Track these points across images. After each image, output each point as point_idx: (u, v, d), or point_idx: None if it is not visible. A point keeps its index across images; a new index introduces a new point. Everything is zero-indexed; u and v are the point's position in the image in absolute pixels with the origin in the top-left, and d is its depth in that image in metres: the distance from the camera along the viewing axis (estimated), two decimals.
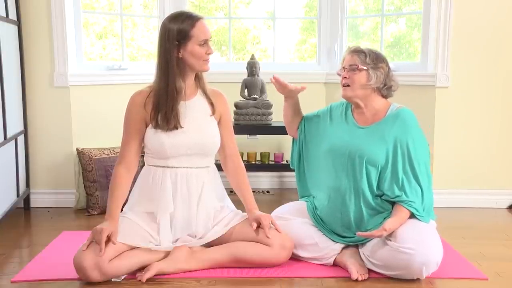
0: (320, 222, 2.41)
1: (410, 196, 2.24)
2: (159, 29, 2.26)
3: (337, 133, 2.42)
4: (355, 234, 2.30)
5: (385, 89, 2.38)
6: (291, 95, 2.51)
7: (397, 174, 2.27)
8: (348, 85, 2.36)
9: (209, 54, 2.25)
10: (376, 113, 2.38)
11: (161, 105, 2.22)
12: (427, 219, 2.27)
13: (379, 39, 3.77)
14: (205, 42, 2.23)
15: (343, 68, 2.39)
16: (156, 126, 2.24)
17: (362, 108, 2.39)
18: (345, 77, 2.37)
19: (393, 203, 2.28)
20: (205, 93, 2.36)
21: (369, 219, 2.29)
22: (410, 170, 2.27)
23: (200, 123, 2.31)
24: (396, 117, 2.33)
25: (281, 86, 2.46)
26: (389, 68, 2.40)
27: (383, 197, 2.30)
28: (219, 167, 2.45)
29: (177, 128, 2.24)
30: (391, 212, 2.26)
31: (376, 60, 2.35)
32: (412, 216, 2.24)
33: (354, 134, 2.37)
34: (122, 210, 2.29)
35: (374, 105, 2.38)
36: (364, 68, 2.33)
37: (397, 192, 2.25)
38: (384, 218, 2.25)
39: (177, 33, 2.19)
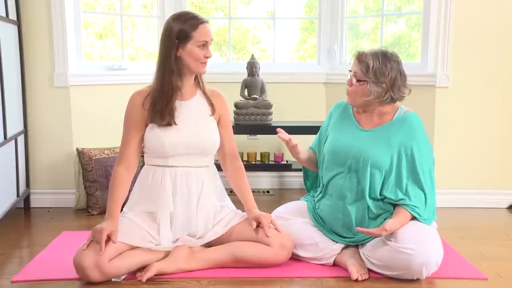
0: (320, 222, 2.40)
1: (414, 201, 2.23)
2: (163, 26, 2.27)
3: (338, 135, 2.39)
4: (355, 234, 2.30)
5: (388, 101, 2.29)
6: (295, 152, 2.42)
7: (401, 180, 2.26)
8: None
9: (207, 57, 2.25)
10: (383, 115, 2.34)
11: (157, 101, 2.23)
12: (430, 222, 2.26)
13: (379, 39, 3.77)
14: (204, 45, 2.23)
15: (350, 71, 2.32)
16: (152, 121, 2.24)
17: (367, 112, 2.36)
18: (348, 84, 2.32)
19: (395, 206, 2.27)
20: (204, 93, 2.36)
21: (370, 221, 2.28)
22: (414, 177, 2.25)
23: (200, 123, 2.31)
24: (403, 121, 2.30)
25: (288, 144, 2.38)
26: (396, 79, 2.24)
27: (385, 200, 2.28)
28: (218, 167, 2.45)
29: (171, 125, 2.24)
30: (392, 214, 2.25)
31: (378, 74, 2.22)
32: (413, 218, 2.23)
33: (357, 137, 2.33)
34: (122, 210, 2.30)
35: (380, 108, 2.33)
36: (365, 80, 2.25)
37: (400, 195, 2.24)
38: (385, 219, 2.24)
39: (178, 31, 2.20)
